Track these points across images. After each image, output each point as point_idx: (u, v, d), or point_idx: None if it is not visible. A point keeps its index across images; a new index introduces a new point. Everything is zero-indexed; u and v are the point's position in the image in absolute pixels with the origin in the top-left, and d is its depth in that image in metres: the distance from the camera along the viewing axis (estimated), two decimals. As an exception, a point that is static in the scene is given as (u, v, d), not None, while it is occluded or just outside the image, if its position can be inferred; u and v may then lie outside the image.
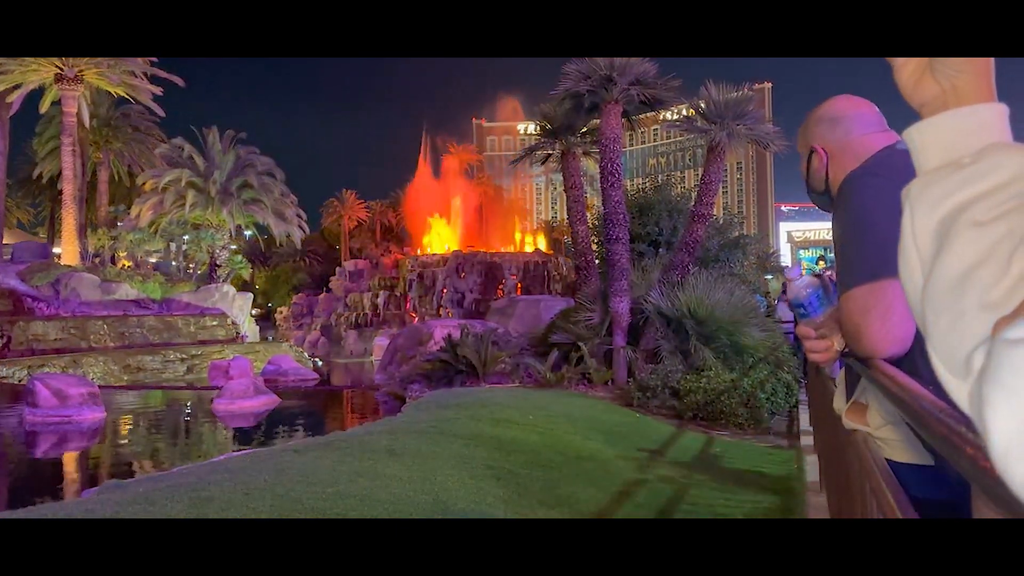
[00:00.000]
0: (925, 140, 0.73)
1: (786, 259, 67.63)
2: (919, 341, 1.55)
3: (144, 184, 39.51)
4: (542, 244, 51.93)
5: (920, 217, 0.68)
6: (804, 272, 2.15)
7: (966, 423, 0.67)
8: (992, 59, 0.73)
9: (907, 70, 0.76)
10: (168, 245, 38.94)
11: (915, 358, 1.62)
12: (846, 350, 1.84)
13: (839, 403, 2.16)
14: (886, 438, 1.87)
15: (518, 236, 55.62)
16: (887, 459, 1.84)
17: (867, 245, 1.71)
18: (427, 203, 55.06)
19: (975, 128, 0.70)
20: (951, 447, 0.75)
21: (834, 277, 1.92)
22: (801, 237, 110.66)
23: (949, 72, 0.72)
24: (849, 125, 2.02)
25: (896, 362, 1.61)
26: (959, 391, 0.63)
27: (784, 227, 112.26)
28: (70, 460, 11.67)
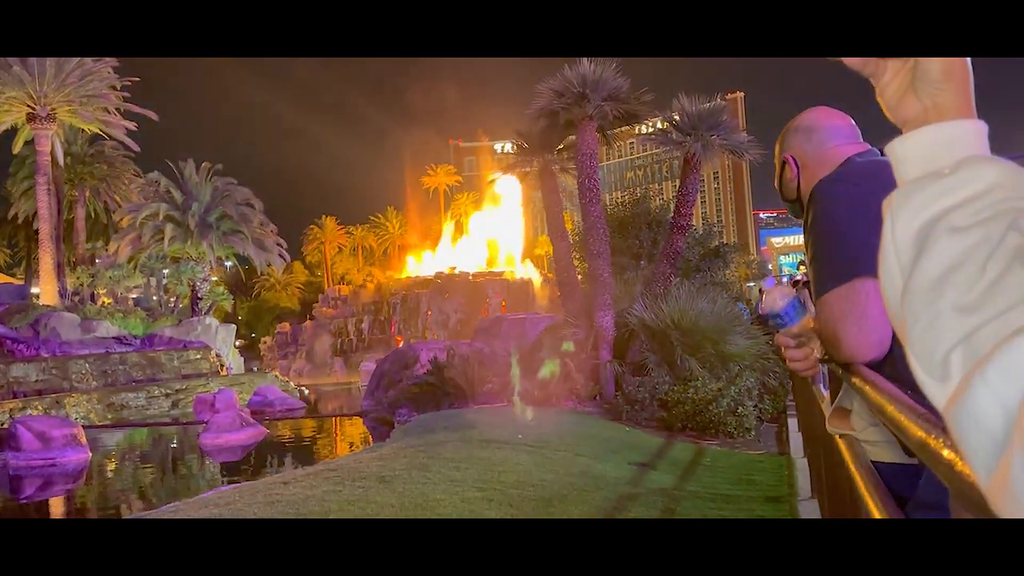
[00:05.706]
0: (907, 151, 0.75)
1: (767, 266, 67.95)
2: (899, 345, 1.57)
3: (121, 220, 39.23)
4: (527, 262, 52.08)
5: (901, 225, 0.70)
6: (779, 282, 2.15)
7: (943, 427, 0.68)
8: (971, 79, 0.76)
9: (891, 88, 0.79)
10: (148, 280, 38.60)
11: (895, 362, 1.63)
12: (826, 356, 1.85)
13: (824, 408, 2.17)
14: (872, 440, 1.88)
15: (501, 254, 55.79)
16: (874, 461, 1.85)
17: (835, 250, 1.74)
18: (419, 224, 55.51)
19: (955, 141, 0.73)
20: (929, 452, 0.76)
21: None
22: (780, 244, 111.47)
23: (931, 90, 0.76)
24: (823, 136, 2.04)
25: (877, 366, 1.62)
26: (937, 392, 0.64)
27: (764, 235, 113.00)
28: (56, 503, 11.49)
